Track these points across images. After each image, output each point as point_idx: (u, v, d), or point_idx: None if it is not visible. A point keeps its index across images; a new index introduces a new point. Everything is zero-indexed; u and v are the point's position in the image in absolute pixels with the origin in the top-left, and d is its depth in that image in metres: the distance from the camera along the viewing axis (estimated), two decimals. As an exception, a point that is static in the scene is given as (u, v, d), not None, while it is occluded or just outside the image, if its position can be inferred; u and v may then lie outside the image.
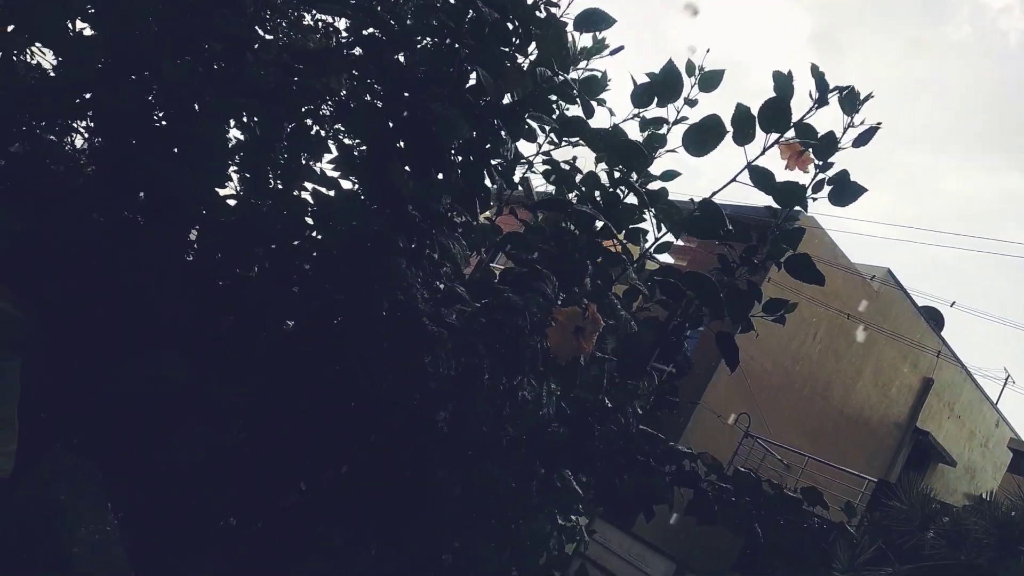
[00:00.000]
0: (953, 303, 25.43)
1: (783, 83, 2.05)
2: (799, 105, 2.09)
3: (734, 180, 2.18)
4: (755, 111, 2.09)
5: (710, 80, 2.42)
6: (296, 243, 2.41)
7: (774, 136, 2.08)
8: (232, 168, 2.57)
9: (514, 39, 2.52)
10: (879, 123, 2.04)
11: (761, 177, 2.12)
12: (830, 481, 16.91)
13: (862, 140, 2.09)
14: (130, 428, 1.67)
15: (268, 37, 2.96)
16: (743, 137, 2.10)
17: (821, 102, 2.06)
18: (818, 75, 2.04)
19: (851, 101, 2.06)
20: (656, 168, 2.57)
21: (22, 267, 1.60)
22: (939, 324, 24.63)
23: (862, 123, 2.09)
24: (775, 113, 2.05)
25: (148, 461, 1.63)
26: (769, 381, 19.22)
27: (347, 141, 2.96)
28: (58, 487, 0.78)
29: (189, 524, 1.75)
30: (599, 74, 2.77)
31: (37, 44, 2.51)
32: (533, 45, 2.63)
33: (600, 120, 2.81)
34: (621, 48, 2.50)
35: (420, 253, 1.98)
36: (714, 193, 2.19)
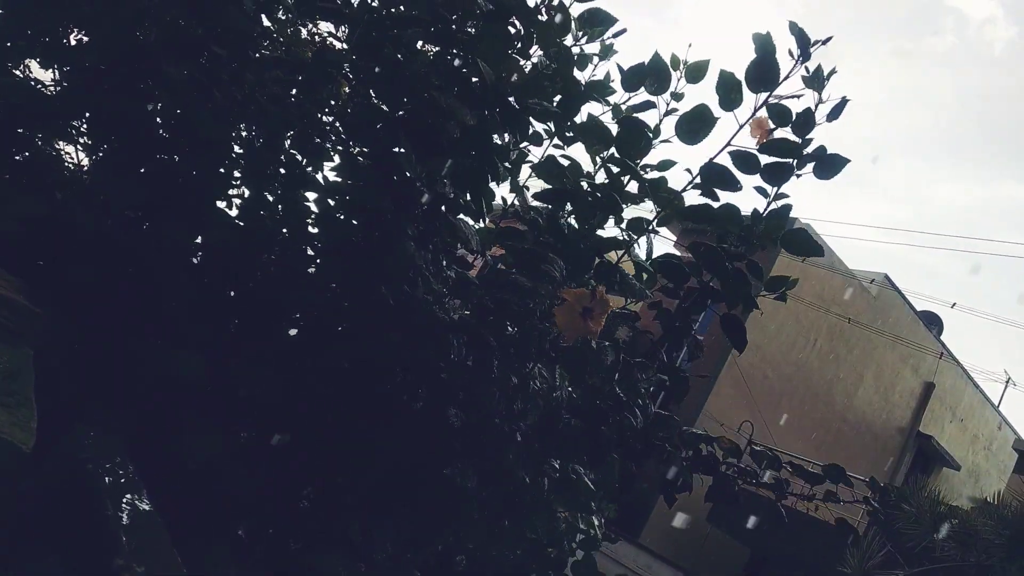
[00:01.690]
0: (954, 304, 25.48)
1: (764, 42, 2.10)
2: (781, 68, 2.14)
3: (728, 144, 2.21)
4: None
5: (696, 71, 2.47)
6: (302, 247, 2.42)
7: (763, 95, 2.13)
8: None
9: (516, 42, 2.55)
10: (845, 97, 2.11)
11: (744, 160, 2.17)
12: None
13: (834, 114, 2.15)
14: (145, 424, 1.66)
15: (266, 47, 2.99)
16: (729, 102, 2.15)
17: (804, 56, 2.10)
18: (797, 31, 2.09)
19: (818, 77, 2.12)
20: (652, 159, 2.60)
21: (34, 260, 1.60)
22: (939, 328, 24.67)
23: (828, 99, 2.14)
24: (762, 71, 2.10)
25: (163, 458, 1.62)
26: (771, 389, 19.21)
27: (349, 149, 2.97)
28: (86, 458, 0.77)
29: (206, 524, 1.73)
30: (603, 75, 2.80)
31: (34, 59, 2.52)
32: (535, 47, 2.67)
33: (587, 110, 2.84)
34: (624, 31, 2.56)
35: (428, 242, 1.97)
36: (712, 159, 2.22)
